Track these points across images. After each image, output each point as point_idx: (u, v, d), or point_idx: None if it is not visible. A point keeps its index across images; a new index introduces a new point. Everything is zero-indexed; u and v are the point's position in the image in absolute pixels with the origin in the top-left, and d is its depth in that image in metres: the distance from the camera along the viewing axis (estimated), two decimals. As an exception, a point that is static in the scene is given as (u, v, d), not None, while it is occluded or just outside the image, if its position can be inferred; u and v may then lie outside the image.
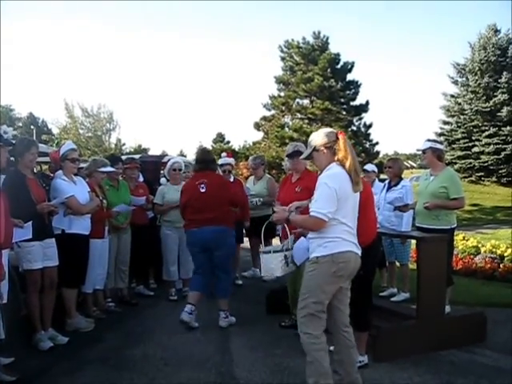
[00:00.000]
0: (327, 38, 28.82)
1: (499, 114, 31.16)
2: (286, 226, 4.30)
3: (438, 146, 6.20)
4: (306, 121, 27.73)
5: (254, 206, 7.72)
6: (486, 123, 32.07)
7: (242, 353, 5.03)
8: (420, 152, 6.37)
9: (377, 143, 28.13)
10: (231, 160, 8.27)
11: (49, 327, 5.22)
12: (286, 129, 27.76)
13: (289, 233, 4.39)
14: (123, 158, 7.66)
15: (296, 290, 5.56)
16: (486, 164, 31.95)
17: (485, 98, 32.24)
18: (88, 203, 5.62)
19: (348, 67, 28.34)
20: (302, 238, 4.45)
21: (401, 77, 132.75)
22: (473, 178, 32.88)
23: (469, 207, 23.84)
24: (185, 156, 32.73)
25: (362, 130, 27.89)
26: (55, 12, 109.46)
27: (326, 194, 3.64)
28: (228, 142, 46.81)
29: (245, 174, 18.49)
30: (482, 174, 32.62)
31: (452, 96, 35.23)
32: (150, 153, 34.60)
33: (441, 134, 34.62)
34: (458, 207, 6.20)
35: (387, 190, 6.79)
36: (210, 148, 26.21)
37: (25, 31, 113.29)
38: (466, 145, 33.02)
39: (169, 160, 7.73)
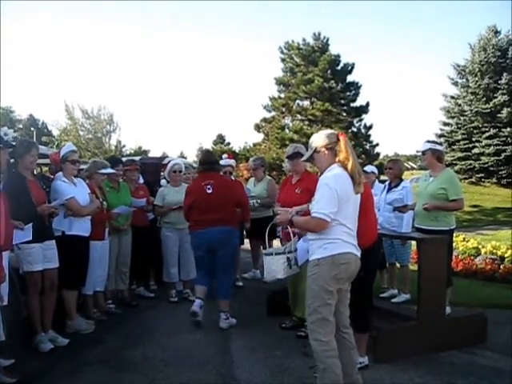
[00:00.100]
0: (327, 40, 28.81)
1: (499, 115, 31.16)
2: (289, 227, 4.30)
3: (438, 147, 6.20)
4: (307, 122, 27.68)
5: (253, 208, 7.73)
6: (486, 124, 32.06)
7: (243, 354, 5.03)
8: (420, 153, 6.37)
9: (377, 144, 28.10)
10: (232, 161, 8.29)
11: (49, 329, 5.22)
12: (287, 130, 27.73)
13: (292, 235, 4.38)
14: (123, 159, 7.66)
15: (297, 292, 5.60)
16: (486, 165, 31.94)
17: (485, 99, 32.24)
18: (88, 205, 5.62)
19: (348, 68, 28.31)
20: (301, 239, 4.46)
21: (400, 76, 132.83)
22: (473, 180, 32.87)
23: (469, 208, 23.84)
24: (185, 158, 32.77)
25: (363, 131, 27.86)
26: (55, 12, 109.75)
27: (328, 194, 3.64)
28: (228, 144, 46.78)
29: (245, 175, 18.47)
30: (483, 175, 32.62)
31: (452, 97, 35.24)
32: (151, 154, 34.71)
33: (441, 136, 34.61)
34: (457, 209, 6.20)
35: (387, 192, 6.78)
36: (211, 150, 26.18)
37: (25, 31, 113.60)
38: (466, 146, 33.00)
39: (169, 162, 7.73)
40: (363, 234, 3.91)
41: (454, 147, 33.84)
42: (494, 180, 32.37)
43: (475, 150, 32.29)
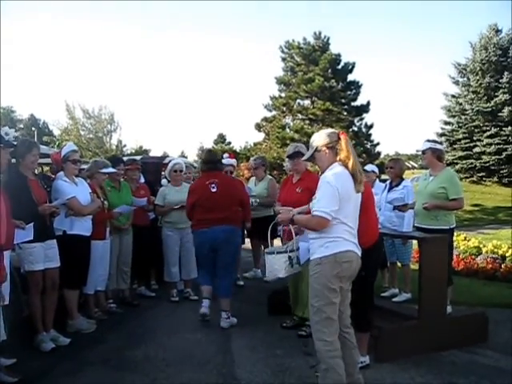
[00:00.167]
0: (328, 39, 28.77)
1: (500, 114, 31.09)
2: (291, 226, 4.31)
3: (438, 146, 6.21)
4: (307, 121, 27.65)
5: (253, 207, 7.73)
6: (487, 123, 32.00)
7: (244, 353, 5.04)
8: (420, 152, 6.37)
9: (378, 144, 28.05)
10: (233, 161, 8.30)
11: (50, 328, 5.23)
12: (287, 129, 27.71)
13: (294, 234, 4.39)
14: (124, 159, 7.66)
15: (297, 291, 5.60)
16: (487, 164, 31.87)
17: (486, 98, 32.18)
18: (89, 204, 5.63)
19: (349, 68, 28.28)
20: (300, 238, 4.47)
21: (401, 75, 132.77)
22: (474, 179, 32.80)
23: (470, 207, 23.81)
24: (186, 157, 32.71)
25: (363, 130, 27.83)
26: (56, 12, 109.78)
27: (329, 192, 3.64)
28: (229, 143, 46.76)
29: (246, 174, 18.43)
30: (484, 174, 32.55)
31: (453, 96, 35.16)
32: (151, 154, 34.62)
33: (442, 135, 34.56)
34: (457, 208, 6.21)
35: (388, 191, 6.78)
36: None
37: (25, 31, 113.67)
38: (468, 145, 32.93)
39: (170, 161, 7.73)
40: (364, 233, 3.91)
41: (455, 146, 33.78)
42: (495, 179, 32.29)
43: (476, 149, 32.24)
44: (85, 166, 6.70)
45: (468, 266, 8.74)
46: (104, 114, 34.21)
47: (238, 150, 31.14)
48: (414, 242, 6.61)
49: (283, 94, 29.05)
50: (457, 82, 35.36)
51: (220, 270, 5.96)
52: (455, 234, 10.26)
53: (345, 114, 27.49)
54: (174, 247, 7.10)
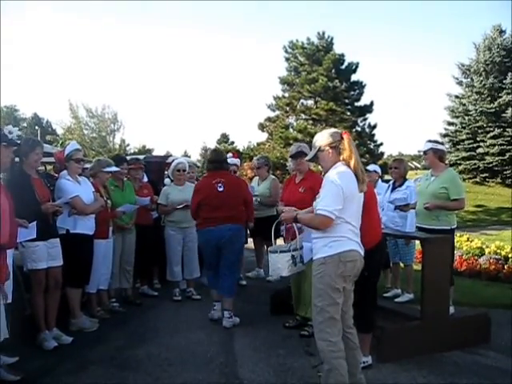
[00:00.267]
0: (332, 39, 28.82)
1: (504, 114, 31.06)
2: (294, 225, 4.31)
3: (439, 146, 6.21)
4: (311, 121, 27.68)
5: (255, 207, 7.73)
6: (490, 124, 31.97)
7: (246, 353, 5.04)
8: (422, 153, 6.37)
9: (381, 144, 28.10)
10: (237, 161, 8.32)
11: (53, 327, 5.24)
12: (291, 129, 27.76)
13: (297, 233, 4.39)
14: (128, 158, 7.67)
15: (300, 291, 5.60)
16: (490, 165, 31.85)
17: (489, 98, 32.15)
18: (92, 203, 5.63)
19: (352, 68, 28.32)
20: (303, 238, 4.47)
21: (404, 75, 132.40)
22: (477, 179, 32.76)
23: (473, 208, 23.81)
24: (189, 156, 32.80)
25: (367, 130, 27.86)
26: (59, 11, 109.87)
27: (333, 191, 3.63)
28: (232, 143, 46.84)
29: (249, 174, 18.48)
30: (487, 175, 32.51)
31: (457, 97, 35.14)
32: (155, 153, 34.64)
33: (445, 135, 34.57)
34: (458, 208, 6.21)
35: (392, 191, 6.77)
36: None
37: (28, 30, 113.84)
38: (471, 146, 32.90)
39: (173, 160, 7.74)
40: (366, 233, 3.90)
41: (458, 147, 33.77)
42: (499, 180, 32.26)
43: (480, 150, 32.21)
44: (88, 165, 6.71)
45: (471, 267, 8.73)
46: (107, 114, 34.40)
47: (241, 150, 31.19)
48: (417, 242, 6.60)
49: (287, 94, 29.10)
50: (460, 83, 35.34)
51: (224, 269, 5.96)
52: (458, 234, 10.31)
53: (348, 114, 27.53)
54: (176, 246, 7.10)
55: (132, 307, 6.66)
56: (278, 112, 29.23)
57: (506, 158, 31.05)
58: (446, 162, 6.36)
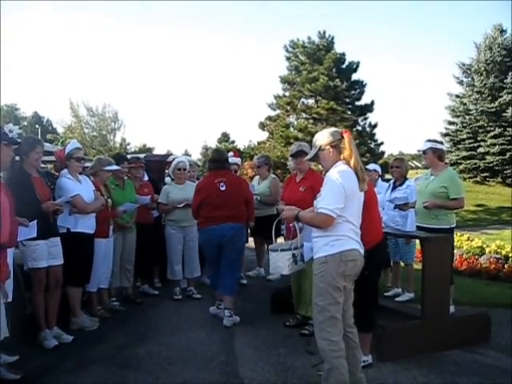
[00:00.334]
0: (332, 38, 28.80)
1: (504, 114, 31.01)
2: (295, 224, 4.31)
3: (439, 146, 6.21)
4: (311, 121, 27.69)
5: (255, 206, 7.73)
6: (491, 124, 31.92)
7: (247, 352, 5.04)
8: (421, 152, 6.38)
9: (382, 143, 28.11)
10: (238, 160, 8.32)
11: (53, 326, 5.24)
12: (291, 128, 27.75)
13: (298, 231, 4.39)
14: (128, 157, 7.67)
15: (300, 290, 5.60)
16: (491, 164, 31.80)
17: (490, 98, 32.10)
18: (93, 202, 5.63)
19: (353, 67, 28.31)
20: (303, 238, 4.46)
21: (405, 75, 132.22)
22: (478, 179, 32.72)
23: (474, 208, 23.78)
24: (189, 155, 32.76)
25: (367, 129, 27.87)
26: (59, 10, 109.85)
27: (334, 190, 3.63)
28: (233, 142, 46.88)
29: (249, 173, 18.47)
30: (487, 174, 32.47)
31: (457, 96, 35.08)
32: (155, 152, 34.62)
33: (446, 135, 34.53)
34: (458, 207, 6.21)
35: (392, 190, 6.77)
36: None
37: (28, 28, 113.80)
38: (471, 145, 32.86)
39: (173, 159, 7.73)
40: (367, 232, 3.90)
41: (459, 146, 33.73)
42: (499, 179, 32.21)
43: (480, 149, 32.17)
44: (88, 164, 6.70)
45: (471, 266, 8.73)
46: (108, 112, 34.44)
47: (241, 149, 31.20)
48: (418, 241, 6.60)
49: (287, 93, 29.10)
50: (461, 82, 35.28)
51: (224, 268, 5.97)
52: (458, 234, 10.32)
53: (349, 113, 27.54)
54: (177, 245, 7.10)
55: (132, 306, 6.65)
56: (278, 111, 29.23)
57: (506, 157, 31.01)
58: (447, 161, 6.36)
